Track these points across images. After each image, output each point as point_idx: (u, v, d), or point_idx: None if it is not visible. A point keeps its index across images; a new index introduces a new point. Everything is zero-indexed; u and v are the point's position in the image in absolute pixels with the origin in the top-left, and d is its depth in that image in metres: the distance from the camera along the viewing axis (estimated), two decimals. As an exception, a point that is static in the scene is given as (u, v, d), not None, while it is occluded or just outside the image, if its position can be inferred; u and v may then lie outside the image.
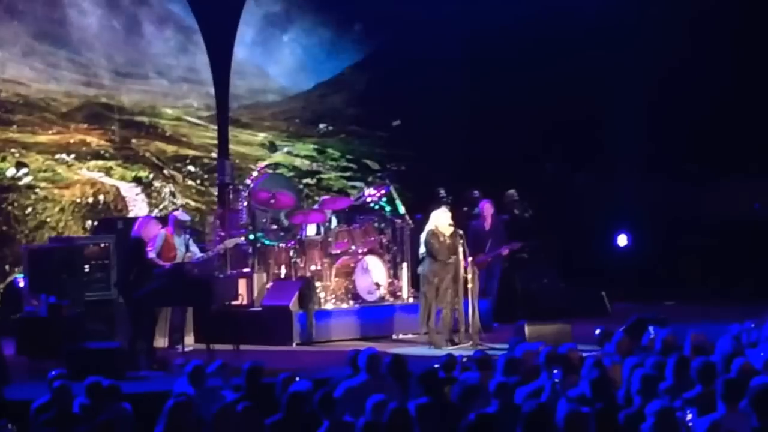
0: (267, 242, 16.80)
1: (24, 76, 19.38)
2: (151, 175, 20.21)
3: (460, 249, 15.31)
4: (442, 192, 18.21)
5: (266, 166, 19.62)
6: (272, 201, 16.78)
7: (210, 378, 10.29)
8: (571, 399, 8.86)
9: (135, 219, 16.00)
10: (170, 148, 20.52)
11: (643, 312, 14.02)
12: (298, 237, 16.70)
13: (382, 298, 16.87)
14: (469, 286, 15.37)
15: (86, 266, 15.72)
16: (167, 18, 20.54)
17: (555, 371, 9.72)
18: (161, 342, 15.32)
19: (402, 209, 17.37)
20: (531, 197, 19.18)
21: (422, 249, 15.56)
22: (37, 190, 19.30)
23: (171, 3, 20.51)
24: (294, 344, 15.95)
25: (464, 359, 11.09)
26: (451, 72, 21.04)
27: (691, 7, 19.92)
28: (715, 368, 9.20)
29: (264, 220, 17.08)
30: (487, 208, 17.52)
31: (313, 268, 16.55)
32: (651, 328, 11.82)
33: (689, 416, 8.17)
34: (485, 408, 8.66)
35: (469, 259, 15.46)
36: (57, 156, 19.50)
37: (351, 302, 16.68)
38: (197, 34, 19.52)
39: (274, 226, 17.09)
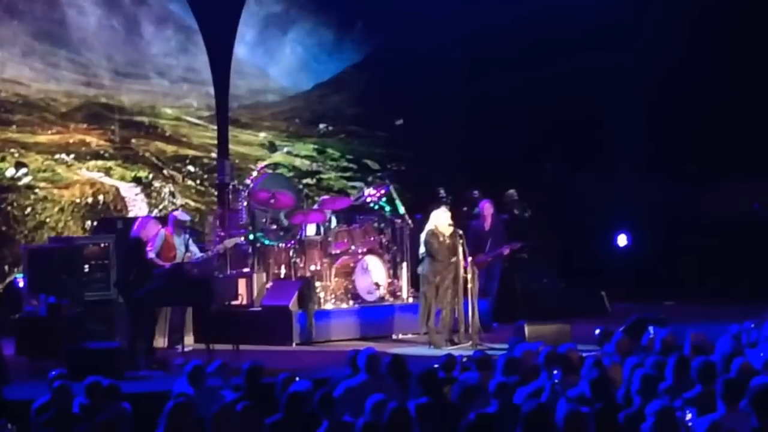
0: (267, 242, 16.80)
1: (24, 76, 19.38)
2: (151, 175, 20.21)
3: (460, 249, 15.30)
4: (442, 192, 18.21)
5: (266, 166, 19.62)
6: (272, 201, 16.77)
7: (210, 378, 10.30)
8: (570, 399, 8.87)
9: (135, 219, 16.00)
10: (170, 148, 20.52)
11: (642, 312, 14.01)
12: (298, 237, 16.69)
13: (381, 298, 16.87)
14: (469, 286, 15.36)
15: (86, 266, 15.72)
16: (167, 18, 20.54)
17: (555, 371, 9.71)
18: (161, 342, 15.31)
19: (402, 209, 17.37)
20: (531, 197, 19.18)
21: (422, 249, 15.55)
22: (36, 190, 19.30)
23: (171, 3, 20.51)
24: (294, 344, 15.95)
25: (464, 359, 11.09)
26: (452, 72, 21.04)
27: (691, 8, 19.92)
28: (715, 368, 9.20)
29: (264, 220, 17.08)
30: (487, 208, 17.52)
31: (312, 268, 16.54)
32: (651, 328, 11.82)
33: (689, 416, 8.17)
34: (485, 408, 8.66)
35: (469, 259, 15.46)
36: (56, 156, 19.50)
37: (351, 302, 16.68)
38: (197, 34, 19.50)
39: (274, 226, 17.09)
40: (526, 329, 14.49)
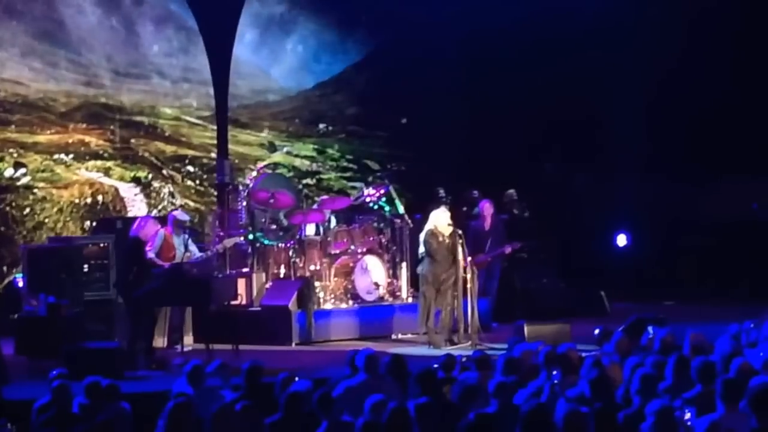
0: (266, 242, 16.80)
1: (23, 75, 19.36)
2: (150, 176, 20.20)
3: (460, 249, 15.30)
4: (442, 192, 18.21)
5: (265, 166, 19.61)
6: (271, 201, 16.77)
7: (209, 378, 10.29)
8: (570, 399, 8.86)
9: (134, 219, 16.00)
10: (169, 148, 20.52)
11: (642, 312, 14.00)
12: (298, 237, 16.69)
13: (381, 298, 16.87)
14: (469, 285, 15.37)
15: (85, 266, 15.74)
16: (167, 18, 20.54)
17: (554, 371, 9.71)
18: (160, 342, 15.32)
19: (401, 209, 17.37)
20: (530, 197, 19.18)
21: (421, 249, 15.56)
22: (35, 190, 19.29)
23: (171, 3, 20.50)
24: (293, 344, 15.95)
25: (463, 359, 11.09)
26: (451, 72, 21.05)
27: (690, 8, 19.92)
28: (714, 368, 9.20)
29: (263, 220, 17.08)
30: (486, 208, 17.53)
31: (312, 267, 16.54)
32: (650, 328, 11.81)
33: (687, 415, 8.17)
34: (484, 408, 8.65)
35: (469, 259, 15.46)
36: (56, 156, 19.48)
37: (350, 302, 16.68)
38: (197, 34, 19.51)
39: (274, 226, 17.09)
40: (526, 329, 14.49)
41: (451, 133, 20.96)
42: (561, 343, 10.88)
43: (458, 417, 8.32)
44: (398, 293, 17.07)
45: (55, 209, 19.37)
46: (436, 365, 10.58)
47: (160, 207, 19.96)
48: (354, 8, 21.46)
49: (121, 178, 19.96)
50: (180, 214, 15.21)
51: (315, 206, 17.48)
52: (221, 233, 16.78)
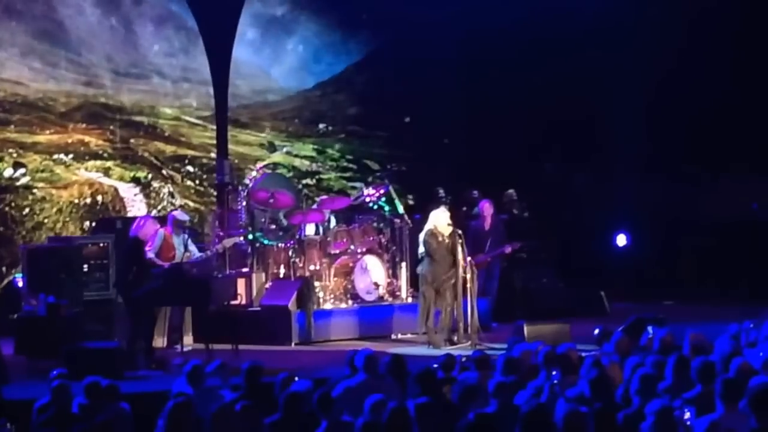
0: (266, 242, 16.80)
1: (23, 75, 19.35)
2: (150, 176, 20.19)
3: (459, 249, 15.30)
4: (441, 192, 18.22)
5: (265, 166, 19.62)
6: (271, 201, 16.77)
7: (209, 378, 10.29)
8: (569, 399, 8.85)
9: (133, 219, 15.99)
10: (169, 148, 20.51)
11: (641, 312, 13.99)
12: (297, 237, 16.69)
13: (381, 298, 16.87)
14: (468, 285, 15.36)
15: (85, 266, 15.74)
16: (167, 18, 20.53)
17: (554, 371, 9.71)
18: (160, 342, 15.31)
19: (401, 209, 17.37)
20: (530, 197, 19.19)
21: (421, 249, 15.56)
22: (34, 190, 19.28)
23: (171, 3, 20.50)
24: (293, 344, 15.95)
25: (463, 359, 11.09)
26: (451, 72, 21.05)
27: (689, 8, 19.92)
28: (714, 368, 9.19)
29: (263, 220, 17.08)
30: (486, 208, 17.54)
31: (312, 267, 16.54)
32: (650, 328, 11.82)
33: (687, 415, 8.17)
34: (484, 408, 8.65)
35: (468, 259, 15.45)
36: (55, 156, 19.47)
37: (350, 302, 16.68)
38: (197, 34, 19.50)
39: (273, 226, 17.09)
40: (526, 329, 14.48)
41: (451, 133, 20.96)
42: (561, 343, 10.88)
43: (458, 417, 8.31)
44: (398, 293, 17.07)
45: (55, 209, 19.36)
46: (435, 365, 10.57)
47: (159, 207, 19.95)
48: (354, 8, 21.46)
49: (121, 178, 19.96)
50: (180, 214, 15.21)
51: (315, 206, 17.49)
52: (221, 233, 16.78)
